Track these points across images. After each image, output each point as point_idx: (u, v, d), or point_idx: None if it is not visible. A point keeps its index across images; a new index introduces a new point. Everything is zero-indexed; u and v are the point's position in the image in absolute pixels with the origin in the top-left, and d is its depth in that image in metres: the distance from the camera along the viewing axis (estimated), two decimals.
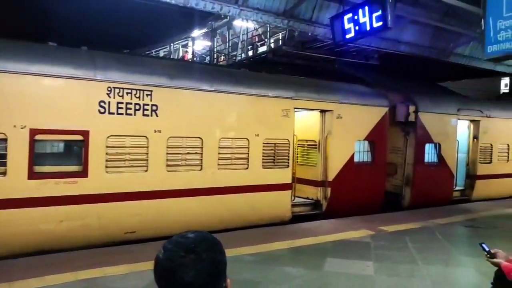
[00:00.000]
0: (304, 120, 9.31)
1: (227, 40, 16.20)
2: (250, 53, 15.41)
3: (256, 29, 15.32)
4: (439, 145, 10.61)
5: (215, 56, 16.79)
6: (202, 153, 7.07)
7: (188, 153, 7.01)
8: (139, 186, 6.52)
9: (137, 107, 6.43)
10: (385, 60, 12.64)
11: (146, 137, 6.53)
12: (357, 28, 6.95)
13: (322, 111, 8.76)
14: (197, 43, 17.78)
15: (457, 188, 11.58)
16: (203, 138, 7.05)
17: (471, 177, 11.58)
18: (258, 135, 7.69)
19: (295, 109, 8.31)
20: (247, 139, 7.57)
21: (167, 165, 6.75)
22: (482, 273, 3.74)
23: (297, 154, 9.37)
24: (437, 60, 11.23)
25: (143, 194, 6.54)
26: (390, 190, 10.20)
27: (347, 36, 7.16)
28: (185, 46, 17.90)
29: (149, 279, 4.69)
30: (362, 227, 7.65)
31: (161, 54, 18.27)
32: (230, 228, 7.02)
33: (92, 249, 5.92)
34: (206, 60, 17.49)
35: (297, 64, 12.83)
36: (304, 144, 9.45)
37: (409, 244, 6.70)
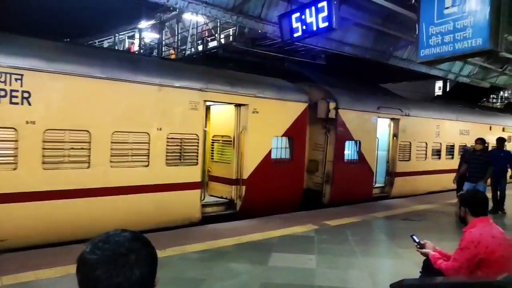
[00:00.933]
0: (220, 115, 8.99)
1: (176, 34, 15.81)
2: (200, 47, 15.18)
3: (206, 24, 15.11)
4: (359, 142, 10.59)
5: (163, 50, 16.31)
6: (90, 149, 6.26)
7: (72, 148, 6.15)
8: (6, 187, 5.60)
9: (2, 93, 5.50)
10: (332, 61, 13.08)
11: (14, 129, 5.64)
12: (304, 27, 7.09)
13: (237, 105, 8.30)
14: (145, 34, 17.16)
15: (377, 185, 11.67)
16: (91, 131, 6.24)
17: (391, 174, 11.70)
18: (160, 129, 7.01)
19: (206, 102, 7.80)
20: (147, 133, 6.88)
21: (44, 162, 5.87)
22: (415, 263, 4.01)
23: (213, 150, 9.17)
24: (379, 62, 11.82)
25: (11, 196, 5.62)
26: (311, 187, 10.19)
27: (295, 35, 7.29)
28: (132, 37, 17.20)
29: None
30: (308, 222, 7.86)
31: (106, 44, 17.40)
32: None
33: (26, 251, 5.48)
34: (154, 53, 16.95)
35: (248, 61, 12.87)
36: (219, 140, 9.07)
37: (350, 237, 7.00)
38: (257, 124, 8.43)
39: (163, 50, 16.31)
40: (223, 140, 8.96)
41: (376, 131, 11.05)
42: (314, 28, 7.02)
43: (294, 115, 9.19)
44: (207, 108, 8.77)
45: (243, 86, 8.33)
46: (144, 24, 15.87)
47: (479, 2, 4.18)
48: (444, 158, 13.36)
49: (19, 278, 4.54)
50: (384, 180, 11.83)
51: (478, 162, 8.77)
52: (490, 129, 15.37)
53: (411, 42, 10.61)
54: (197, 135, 7.58)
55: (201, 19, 14.75)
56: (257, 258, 5.74)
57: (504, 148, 10.36)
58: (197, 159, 7.62)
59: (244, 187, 8.35)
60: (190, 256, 5.62)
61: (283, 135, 9.04)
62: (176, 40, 15.87)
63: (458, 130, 13.99)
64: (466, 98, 19.28)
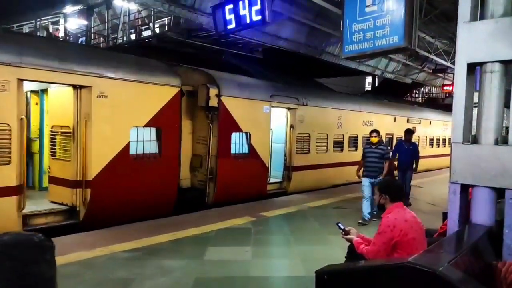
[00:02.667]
0: (59, 99, 7.20)
1: (106, 21, 14.90)
2: (133, 36, 14.48)
3: (139, 12, 14.44)
4: (249, 134, 9.61)
5: (92, 37, 15.28)
6: None
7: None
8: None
9: None
10: (269, 55, 13.27)
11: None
12: (238, 19, 7.07)
13: (77, 88, 6.64)
14: (71, 21, 15.92)
15: (274, 180, 10.91)
16: None
17: (288, 169, 10.91)
18: None
19: (24, 81, 6.10)
20: None
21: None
22: (343, 249, 4.24)
23: (54, 145, 7.30)
24: (312, 57, 12.23)
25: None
26: (196, 185, 9.18)
27: (229, 27, 7.24)
28: (56, 23, 15.86)
29: None
30: (245, 214, 7.93)
31: (26, 30, 15.85)
32: None
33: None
34: (81, 41, 15.81)
35: (185, 52, 12.56)
36: (58, 132, 7.19)
37: (285, 227, 7.20)
38: (106, 112, 6.87)
39: (92, 38, 15.29)
40: (62, 132, 7.10)
41: (269, 122, 10.15)
42: (248, 21, 7.02)
43: (162, 101, 7.76)
44: (44, 91, 7.77)
45: (82, 63, 6.60)
46: (69, 9, 14.70)
47: (395, 2, 4.50)
48: (346, 150, 12.93)
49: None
50: (282, 175, 11.04)
51: (375, 156, 7.85)
52: (395, 120, 15.33)
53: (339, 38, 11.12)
54: (8, 125, 5.90)
55: (133, 6, 14.05)
56: (193, 253, 5.66)
57: (412, 140, 10.00)
58: (9, 157, 5.93)
59: (89, 191, 6.74)
60: (120, 255, 5.37)
61: (146, 126, 7.60)
62: (106, 28, 14.96)
63: (361, 121, 13.52)
64: (392, 93, 20.79)
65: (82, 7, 14.54)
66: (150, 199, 7.61)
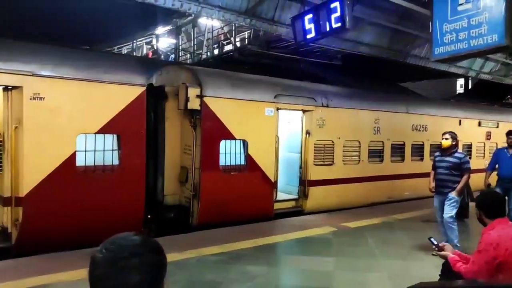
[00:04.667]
0: None
1: (192, 38, 16.02)
2: (216, 51, 15.32)
3: (222, 28, 15.25)
4: (245, 142, 7.99)
5: (180, 54, 16.55)
6: None
7: None
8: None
9: None
10: (349, 61, 12.97)
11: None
12: (317, 28, 7.06)
13: (8, 89, 5.73)
14: (162, 40, 17.46)
15: (287, 197, 9.26)
16: None
17: (304, 183, 9.08)
18: None
19: None
20: None
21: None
22: (436, 266, 3.91)
23: None
24: (396, 61, 11.63)
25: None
26: (183, 203, 7.75)
27: (308, 36, 7.26)
28: (149, 43, 17.53)
29: None
30: (326, 224, 7.79)
31: (124, 51, 17.79)
32: None
33: (42, 255, 5.60)
34: (171, 58, 17.21)
35: (264, 64, 12.92)
36: None
37: (369, 239, 6.90)
38: (42, 116, 5.83)
39: (180, 55, 16.54)
40: None
41: (275, 126, 8.38)
42: (327, 29, 6.97)
43: (120, 103, 6.52)
44: None
45: (7, 60, 5.66)
46: (161, 30, 16.14)
47: None
48: (388, 160, 10.66)
49: (38, 281, 4.67)
50: (297, 191, 9.25)
51: (447, 166, 6.12)
52: (460, 123, 12.39)
53: (428, 40, 10.40)
54: None
55: (216, 23, 14.90)
56: (275, 260, 5.73)
57: None
58: None
59: (21, 209, 5.71)
60: (208, 258, 5.66)
61: (99, 132, 6.38)
62: (192, 45, 16.07)
63: (409, 125, 11.17)
64: (489, 95, 18.72)
65: (171, 27, 15.83)
66: (105, 219, 6.20)
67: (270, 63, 13.05)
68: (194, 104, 7.20)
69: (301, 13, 7.62)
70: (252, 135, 8.04)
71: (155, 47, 17.02)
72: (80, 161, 6.23)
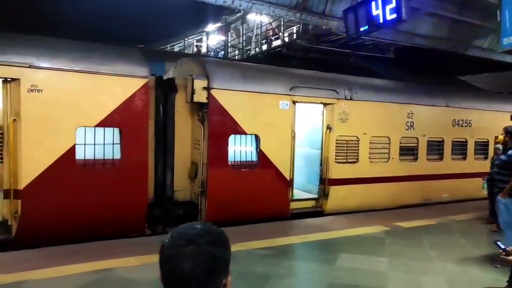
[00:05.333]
0: None
1: (241, 35, 16.18)
2: (265, 47, 15.36)
3: (270, 23, 15.24)
4: (257, 138, 7.57)
5: (229, 51, 16.80)
6: None
7: None
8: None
9: None
10: (403, 54, 12.43)
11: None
12: (370, 21, 6.83)
13: (8, 81, 5.72)
14: (212, 37, 17.82)
15: (306, 196, 8.75)
16: None
17: (324, 182, 8.50)
18: None
19: None
20: None
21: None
22: (500, 272, 3.65)
23: None
24: (455, 53, 10.95)
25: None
26: (193, 199, 7.50)
27: (361, 29, 7.05)
28: (200, 40, 17.98)
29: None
30: (377, 223, 7.57)
31: (176, 49, 18.41)
32: None
33: (104, 241, 6.01)
34: (220, 55, 17.52)
35: (312, 58, 12.76)
36: None
37: (425, 240, 6.60)
38: (40, 109, 5.78)
39: (229, 51, 16.80)
40: None
41: (290, 121, 7.86)
42: (381, 21, 6.71)
43: (121, 96, 6.35)
44: None
45: (5, 51, 5.69)
46: (211, 27, 16.48)
47: None
48: (424, 158, 9.80)
49: (103, 265, 5.01)
50: (318, 190, 8.68)
51: (498, 164, 5.71)
52: None
53: (492, 30, 9.66)
54: None
55: (265, 19, 14.92)
56: (324, 257, 5.67)
57: None
58: None
59: (19, 202, 5.72)
60: (257, 252, 5.72)
61: (98, 125, 6.24)
62: (241, 41, 16.24)
63: (450, 120, 10.19)
64: None
65: (221, 24, 16.11)
66: (106, 214, 6.20)
67: (319, 58, 12.87)
68: (200, 96, 6.91)
69: (353, 5, 7.41)
70: (265, 130, 7.59)
71: (202, 45, 17.42)
72: (79, 155, 6.11)
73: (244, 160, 7.48)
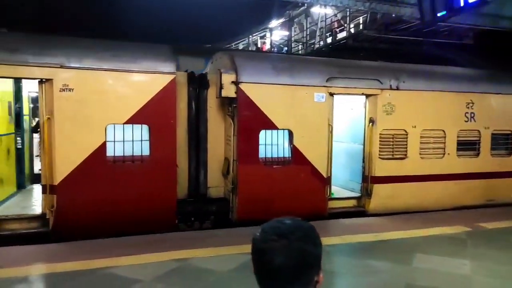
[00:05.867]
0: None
1: (305, 29, 15.98)
2: (329, 40, 15.02)
3: (335, 15, 14.86)
4: (290, 132, 7.24)
5: (292, 46, 16.70)
6: None
7: None
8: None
9: None
10: (482, 40, 11.37)
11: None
12: (449, 4, 6.31)
13: (43, 81, 5.92)
14: (275, 33, 17.85)
15: (347, 195, 8.24)
16: None
17: (367, 180, 7.86)
18: None
19: None
20: None
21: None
22: None
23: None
24: None
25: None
26: (226, 196, 7.29)
27: (438, 15, 6.54)
28: (263, 37, 18.10)
29: (236, 263, 4.92)
30: (457, 223, 7.04)
31: (240, 46, 18.75)
32: None
33: (180, 233, 6.36)
34: (284, 50, 17.48)
35: (380, 49, 12.22)
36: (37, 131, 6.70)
37: None
38: (72, 108, 5.97)
39: (292, 46, 16.70)
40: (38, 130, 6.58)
41: (327, 114, 7.39)
42: (462, 4, 6.17)
43: (148, 93, 6.35)
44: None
45: (36, 52, 5.89)
46: (274, 23, 16.51)
47: None
48: (487, 154, 8.67)
49: (181, 254, 5.29)
50: (360, 188, 8.07)
51: None
52: None
53: None
54: None
55: (329, 11, 14.57)
56: (399, 257, 5.41)
57: None
58: None
59: (55, 197, 6.00)
60: (325, 249, 5.64)
61: (127, 123, 6.30)
62: (304, 35, 16.05)
63: None
64: None
65: (284, 20, 16.06)
66: (136, 209, 6.30)
67: (388, 48, 12.27)
68: (229, 91, 6.73)
69: None
70: (299, 125, 7.21)
71: (265, 41, 17.50)
72: (110, 151, 6.27)
73: (276, 156, 7.24)
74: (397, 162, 7.95)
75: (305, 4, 13.91)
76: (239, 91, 6.75)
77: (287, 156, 7.26)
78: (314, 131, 7.30)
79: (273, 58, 7.50)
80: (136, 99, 6.28)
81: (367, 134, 7.81)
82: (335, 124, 7.58)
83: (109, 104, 6.16)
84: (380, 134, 7.78)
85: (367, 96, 7.75)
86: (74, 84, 5.95)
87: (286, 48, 17.25)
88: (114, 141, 6.28)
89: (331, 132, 7.44)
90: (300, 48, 16.75)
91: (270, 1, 8.32)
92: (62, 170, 5.98)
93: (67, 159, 6.00)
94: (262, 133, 7.05)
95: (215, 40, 17.08)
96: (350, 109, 8.57)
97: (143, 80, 6.37)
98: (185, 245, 5.62)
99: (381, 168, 7.80)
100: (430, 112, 8.11)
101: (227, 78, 6.71)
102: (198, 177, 7.14)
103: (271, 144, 7.16)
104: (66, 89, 5.91)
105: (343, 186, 8.61)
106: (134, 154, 6.40)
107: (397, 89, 7.83)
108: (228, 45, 18.13)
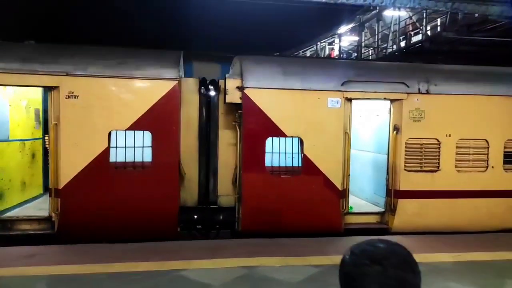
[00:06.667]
0: None
1: (376, 33, 15.37)
2: (403, 44, 14.27)
3: (410, 17, 14.08)
4: (301, 140, 6.81)
5: (362, 51, 16.15)
6: None
7: None
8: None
9: None
10: None
11: None
12: None
13: (52, 89, 6.20)
14: (344, 39, 17.43)
15: (369, 210, 7.53)
16: None
17: (390, 194, 7.12)
18: None
19: None
20: None
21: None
22: None
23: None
24: None
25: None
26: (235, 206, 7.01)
27: None
28: (331, 43, 17.78)
29: (304, 275, 4.81)
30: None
31: (308, 54, 18.61)
32: None
33: (246, 239, 6.30)
34: (353, 56, 16.98)
35: (460, 51, 11.32)
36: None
37: None
38: (76, 114, 6.17)
39: (363, 51, 16.16)
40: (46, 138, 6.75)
41: (343, 120, 6.84)
42: None
43: (150, 99, 6.35)
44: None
45: (44, 62, 6.19)
46: (343, 28, 16.14)
47: None
48: None
49: (247, 262, 5.31)
50: (384, 202, 7.33)
51: None
52: None
53: None
54: None
55: (403, 13, 13.85)
56: (486, 281, 4.86)
57: None
58: None
59: (58, 200, 6.20)
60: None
61: (129, 129, 6.36)
62: (376, 40, 15.45)
63: None
64: None
65: (354, 25, 15.63)
66: (137, 216, 6.31)
67: (470, 50, 11.31)
68: (233, 97, 6.52)
69: None
70: (310, 132, 6.73)
71: (334, 48, 17.17)
72: (113, 157, 6.38)
73: (284, 165, 6.88)
74: (426, 175, 7.09)
75: (377, 8, 13.38)
76: (244, 96, 6.52)
77: (296, 165, 6.88)
78: (328, 139, 6.79)
79: (284, 62, 7.16)
80: (138, 106, 6.34)
81: (391, 143, 7.10)
82: (360, 132, 7.15)
83: (112, 110, 6.30)
84: (406, 143, 7.01)
85: (392, 101, 7.09)
86: (79, 91, 6.16)
87: (355, 54, 16.75)
88: (116, 147, 6.41)
89: (348, 140, 6.90)
90: (370, 54, 16.14)
91: (341, 6, 8.10)
92: (66, 174, 6.18)
93: (71, 163, 6.20)
94: (268, 141, 6.77)
95: (283, 48, 17.17)
96: (376, 116, 7.94)
97: (145, 86, 6.43)
98: (252, 252, 5.64)
99: (407, 181, 7.01)
100: (469, 119, 7.18)
101: (232, 83, 6.55)
102: (208, 185, 7.04)
103: (279, 152, 6.89)
104: (72, 96, 6.13)
105: (369, 200, 8.01)
106: (137, 160, 6.51)
107: (427, 93, 7.00)
108: (295, 53, 18.09)
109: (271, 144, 6.79)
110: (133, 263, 5.16)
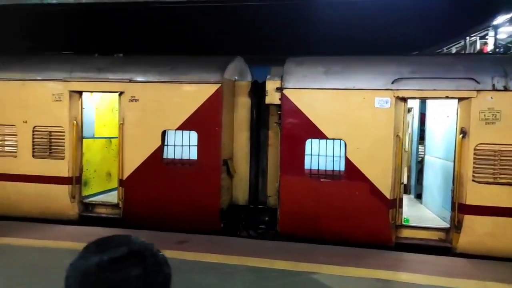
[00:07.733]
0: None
1: None
2: None
3: None
4: (344, 143, 6.43)
5: None
6: None
7: None
8: None
9: None
10: None
11: None
12: None
13: (119, 94, 7.27)
14: (501, 30, 14.97)
15: (427, 225, 6.66)
16: None
17: (455, 208, 6.09)
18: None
19: (73, 92, 7.34)
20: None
21: None
22: None
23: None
24: None
25: None
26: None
27: None
28: (484, 37, 15.49)
29: None
30: None
31: (453, 50, 16.64)
32: None
33: (382, 250, 6.07)
34: None
35: None
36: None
37: None
38: (137, 115, 7.12)
39: None
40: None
41: (393, 122, 6.23)
42: None
43: (196, 102, 6.89)
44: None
45: (114, 71, 7.28)
46: (500, 19, 13.87)
47: None
48: None
49: (384, 275, 5.08)
50: (449, 217, 6.35)
51: None
52: None
53: None
54: (62, 127, 7.39)
55: None
56: None
57: None
58: (63, 153, 7.34)
59: (122, 190, 7.24)
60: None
61: (178, 129, 7.01)
62: None
63: None
64: None
65: None
66: (184, 209, 6.91)
67: None
68: (273, 98, 6.67)
69: None
70: (353, 134, 6.38)
71: (487, 42, 14.91)
72: (166, 154, 7.14)
73: (324, 169, 6.54)
74: (504, 188, 6.01)
75: None
76: (283, 97, 6.59)
77: (338, 169, 6.55)
78: (375, 142, 6.35)
79: (327, 62, 6.98)
80: (186, 107, 6.96)
81: (457, 148, 6.24)
82: (433, 136, 6.89)
83: (165, 112, 7.07)
84: (475, 149, 6.08)
85: (459, 100, 6.22)
86: (139, 95, 7.09)
87: None
88: (167, 145, 7.16)
89: (401, 144, 6.38)
90: None
91: None
92: (128, 168, 7.18)
93: (132, 158, 7.17)
94: (308, 143, 6.61)
95: (425, 46, 15.77)
96: (446, 117, 7.14)
97: (192, 90, 7.04)
98: (390, 265, 5.39)
99: (476, 194, 6.07)
100: None
101: (272, 85, 6.70)
102: (257, 184, 7.37)
103: (318, 155, 6.62)
104: (133, 99, 7.10)
105: (438, 213, 7.31)
106: (185, 158, 7.10)
107: (505, 89, 5.96)
108: (439, 50, 16.37)
109: (311, 146, 6.68)
110: (269, 260, 5.50)
